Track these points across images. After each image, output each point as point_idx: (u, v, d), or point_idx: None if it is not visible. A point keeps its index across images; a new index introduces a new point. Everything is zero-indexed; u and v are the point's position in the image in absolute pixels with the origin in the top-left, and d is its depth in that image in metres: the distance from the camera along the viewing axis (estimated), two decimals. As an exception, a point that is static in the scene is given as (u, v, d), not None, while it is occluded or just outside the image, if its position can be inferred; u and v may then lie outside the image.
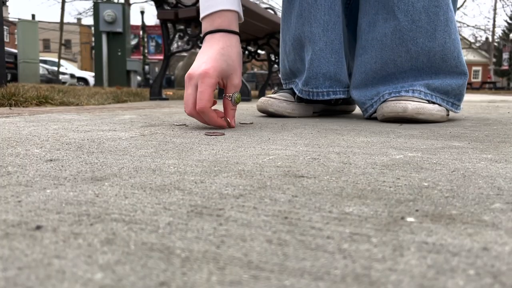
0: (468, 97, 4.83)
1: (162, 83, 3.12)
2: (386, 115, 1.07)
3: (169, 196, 0.36)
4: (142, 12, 15.55)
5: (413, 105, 1.03)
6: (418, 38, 1.10)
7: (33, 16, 11.02)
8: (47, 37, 32.39)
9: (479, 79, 29.73)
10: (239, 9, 0.92)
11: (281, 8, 1.38)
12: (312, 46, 1.24)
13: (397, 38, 1.11)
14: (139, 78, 14.68)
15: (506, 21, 27.80)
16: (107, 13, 8.44)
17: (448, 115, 1.15)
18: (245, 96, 2.91)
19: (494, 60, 26.49)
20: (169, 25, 2.99)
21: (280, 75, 1.43)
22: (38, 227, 0.28)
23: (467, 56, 31.30)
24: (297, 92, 1.30)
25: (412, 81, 1.13)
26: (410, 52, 1.11)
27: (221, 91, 3.90)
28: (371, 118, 1.24)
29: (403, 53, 1.12)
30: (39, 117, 1.18)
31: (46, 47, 33.49)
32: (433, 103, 1.09)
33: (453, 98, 1.13)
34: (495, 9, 26.01)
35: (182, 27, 3.00)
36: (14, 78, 8.55)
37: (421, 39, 1.10)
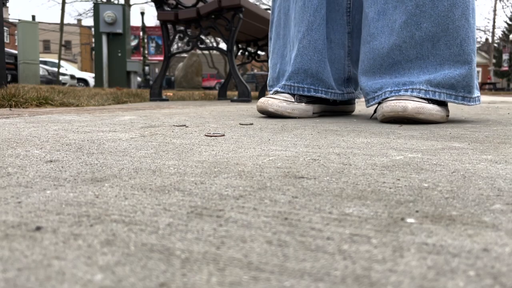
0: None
1: (162, 84, 3.13)
2: (386, 115, 1.07)
3: (169, 197, 0.36)
4: (142, 13, 15.56)
5: (413, 104, 1.03)
6: (422, 23, 1.10)
7: (33, 17, 11.01)
8: (47, 38, 32.41)
9: (479, 80, 29.72)
10: None
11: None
12: (297, 44, 1.30)
13: (403, 22, 1.13)
14: (139, 79, 14.68)
15: (506, 22, 27.81)
16: (107, 14, 8.45)
17: (448, 115, 1.15)
18: (245, 97, 2.91)
19: (494, 61, 26.49)
20: (169, 26, 3.00)
21: (268, 82, 1.46)
22: (38, 228, 0.28)
23: (467, 57, 31.21)
24: (279, 89, 1.33)
25: (416, 75, 1.13)
26: (415, 38, 1.12)
27: (222, 91, 3.90)
28: (371, 119, 1.25)
29: (408, 38, 1.13)
30: (39, 118, 1.18)
31: (46, 48, 33.51)
32: (435, 101, 1.09)
33: (462, 91, 1.12)
34: (495, 10, 26.04)
35: (182, 28, 3.00)
36: (14, 79, 8.56)
37: (425, 24, 1.10)
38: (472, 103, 1.14)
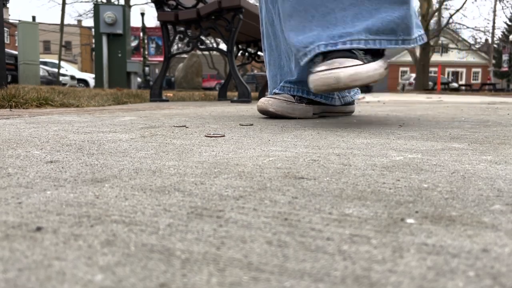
0: (467, 98, 4.84)
1: (162, 85, 3.13)
2: (319, 88, 0.99)
3: (169, 197, 0.36)
4: (143, 14, 15.57)
5: (345, 72, 0.95)
6: None
7: (34, 17, 11.00)
8: (48, 38, 32.43)
9: (479, 81, 29.72)
10: None
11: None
12: (293, 55, 1.28)
13: None
14: (139, 79, 14.69)
15: (505, 22, 27.83)
16: (108, 14, 8.45)
17: (386, 68, 1.04)
18: (245, 97, 2.91)
19: (493, 61, 26.51)
20: (169, 26, 3.00)
21: (269, 91, 1.46)
22: (39, 229, 0.28)
23: (467, 58, 31.34)
24: (277, 90, 1.34)
25: (351, 23, 1.04)
26: None
27: (222, 92, 3.90)
28: (372, 119, 1.25)
29: None
30: (40, 118, 1.18)
31: (47, 49, 33.52)
32: (369, 54, 1.01)
33: (402, 34, 1.03)
34: (494, 11, 26.02)
35: (182, 28, 3.00)
36: (15, 80, 8.56)
37: None
38: (413, 44, 1.07)
